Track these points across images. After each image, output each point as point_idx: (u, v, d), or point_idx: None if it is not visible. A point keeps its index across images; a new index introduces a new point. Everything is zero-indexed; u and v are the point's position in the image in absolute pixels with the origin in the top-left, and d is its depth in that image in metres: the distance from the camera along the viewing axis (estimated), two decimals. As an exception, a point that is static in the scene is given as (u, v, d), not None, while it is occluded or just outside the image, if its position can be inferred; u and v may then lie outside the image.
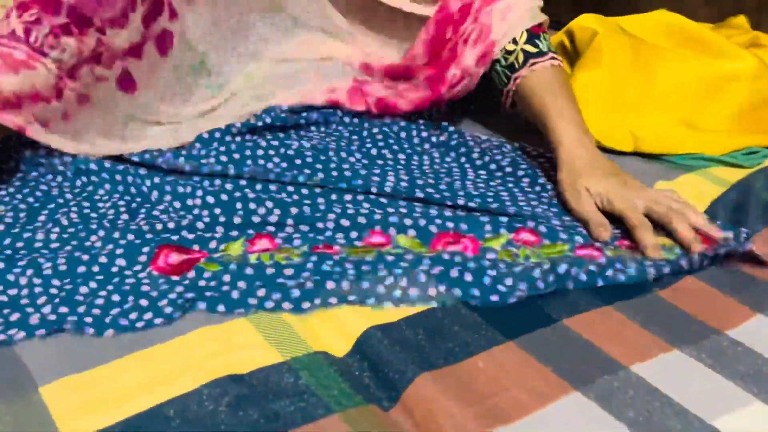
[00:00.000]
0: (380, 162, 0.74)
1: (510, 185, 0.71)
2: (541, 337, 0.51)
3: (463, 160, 0.76)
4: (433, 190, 0.67)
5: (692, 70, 0.80)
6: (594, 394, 0.46)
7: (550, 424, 0.44)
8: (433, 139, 0.79)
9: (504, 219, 0.62)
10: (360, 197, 0.66)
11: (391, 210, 0.64)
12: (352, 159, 0.73)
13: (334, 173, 0.69)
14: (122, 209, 0.65)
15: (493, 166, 0.74)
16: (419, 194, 0.66)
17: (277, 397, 0.44)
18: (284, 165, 0.71)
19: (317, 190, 0.67)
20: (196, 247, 0.59)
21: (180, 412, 0.43)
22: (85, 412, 0.43)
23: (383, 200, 0.66)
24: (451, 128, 0.81)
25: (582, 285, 0.56)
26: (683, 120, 0.80)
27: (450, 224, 0.61)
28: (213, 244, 0.60)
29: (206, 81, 0.79)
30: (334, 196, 0.66)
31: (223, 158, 0.71)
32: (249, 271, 0.56)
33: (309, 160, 0.71)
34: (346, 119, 0.80)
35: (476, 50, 0.75)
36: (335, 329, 0.51)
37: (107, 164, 0.69)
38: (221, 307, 0.53)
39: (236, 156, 0.71)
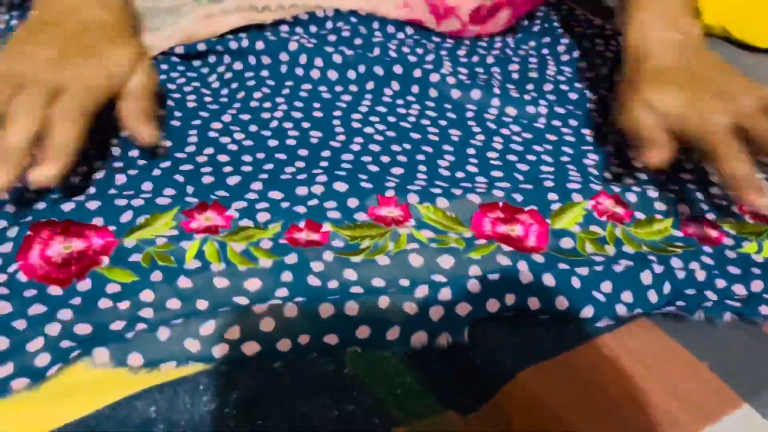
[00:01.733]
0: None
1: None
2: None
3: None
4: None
5: None
6: (772, 409, 0.31)
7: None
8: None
9: (573, 170, 0.42)
10: (357, 143, 0.43)
11: (402, 160, 0.42)
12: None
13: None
14: None
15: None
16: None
17: (311, 393, 0.29)
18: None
19: (291, 135, 0.44)
20: (98, 221, 0.36)
21: (164, 410, 0.28)
22: (30, 407, 0.28)
23: (397, 150, 0.43)
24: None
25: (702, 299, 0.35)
26: None
27: (498, 193, 0.39)
28: (127, 216, 0.36)
29: None
30: (325, 153, 0.42)
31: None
32: (183, 282, 0.33)
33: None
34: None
35: None
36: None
37: None
38: (135, 358, 0.30)
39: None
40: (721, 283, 0.36)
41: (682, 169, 0.44)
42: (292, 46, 0.49)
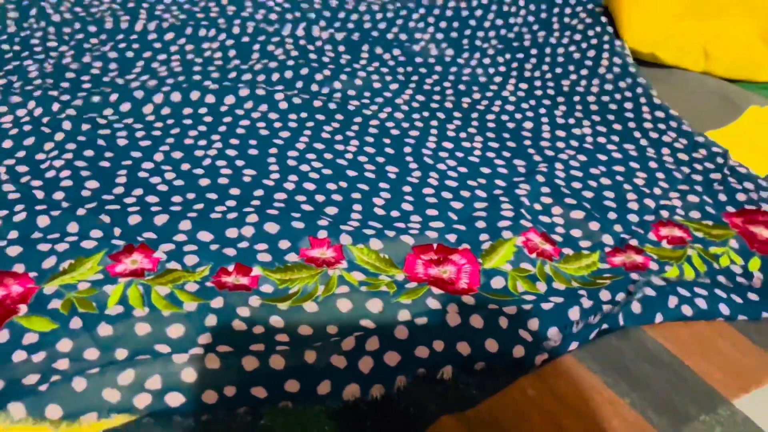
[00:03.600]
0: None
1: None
2: (611, 350, 0.36)
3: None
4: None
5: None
6: (689, 445, 0.32)
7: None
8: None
9: (506, 202, 0.42)
10: (291, 181, 0.42)
11: (337, 199, 0.41)
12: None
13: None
14: None
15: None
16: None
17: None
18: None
19: (223, 173, 0.43)
20: (19, 268, 0.35)
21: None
22: None
23: (333, 189, 0.42)
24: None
25: (635, 321, 0.36)
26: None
27: (432, 234, 0.39)
28: (50, 262, 0.35)
29: None
30: (257, 192, 0.42)
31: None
32: (103, 329, 0.32)
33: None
34: None
35: None
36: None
37: None
38: (54, 410, 0.29)
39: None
40: (636, 307, 0.36)
41: (604, 198, 0.45)
42: (243, 92, 0.50)
